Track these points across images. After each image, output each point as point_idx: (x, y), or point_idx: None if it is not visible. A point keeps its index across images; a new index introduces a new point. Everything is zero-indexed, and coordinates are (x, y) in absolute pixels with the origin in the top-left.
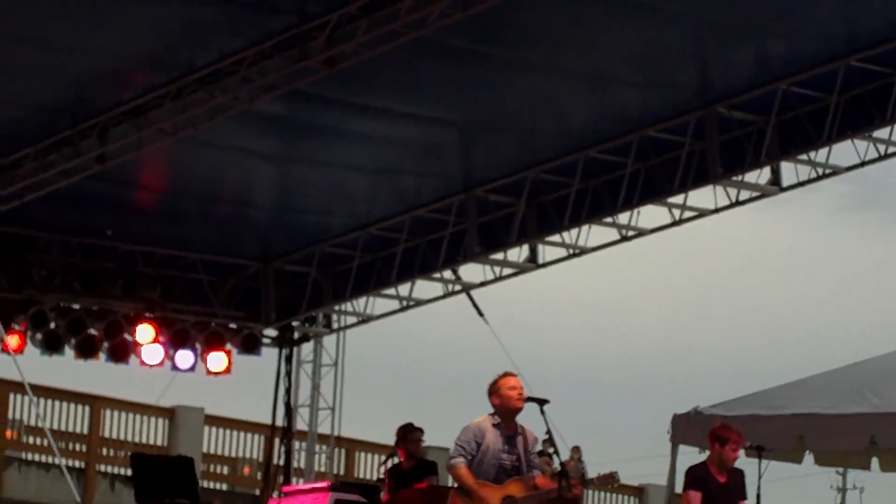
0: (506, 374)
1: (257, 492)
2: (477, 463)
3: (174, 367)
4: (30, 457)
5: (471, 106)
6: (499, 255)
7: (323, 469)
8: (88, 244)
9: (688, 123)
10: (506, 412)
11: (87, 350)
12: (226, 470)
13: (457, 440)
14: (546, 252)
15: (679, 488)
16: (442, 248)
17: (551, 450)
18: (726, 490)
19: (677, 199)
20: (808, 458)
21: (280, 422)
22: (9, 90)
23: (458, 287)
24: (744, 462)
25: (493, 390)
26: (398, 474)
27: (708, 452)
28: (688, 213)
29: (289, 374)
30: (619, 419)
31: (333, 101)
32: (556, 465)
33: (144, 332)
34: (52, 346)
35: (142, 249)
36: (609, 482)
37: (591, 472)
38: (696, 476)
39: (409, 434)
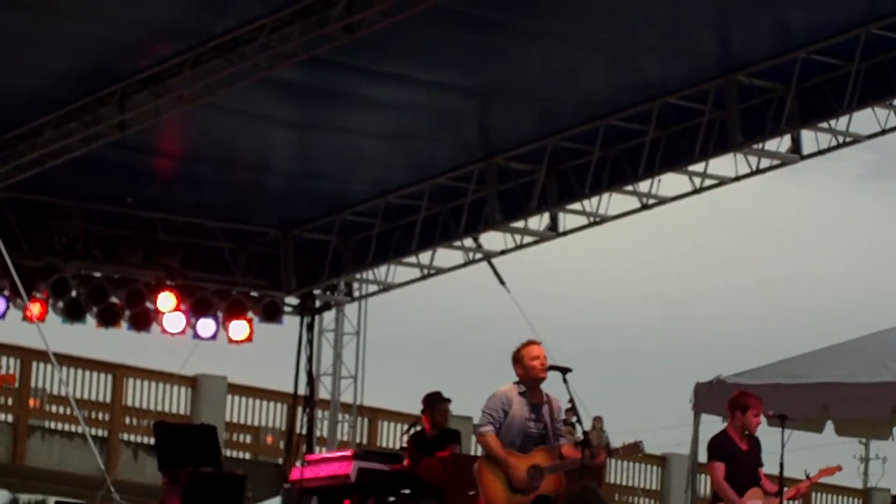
0: (529, 343)
1: (280, 461)
2: (504, 431)
3: (196, 336)
4: (53, 425)
5: (490, 74)
6: (519, 224)
7: (346, 438)
8: (109, 212)
9: (708, 91)
10: (530, 382)
11: (108, 318)
12: (249, 439)
13: (484, 408)
14: (566, 220)
15: (702, 457)
16: (462, 216)
17: (574, 419)
18: (750, 457)
19: (698, 167)
20: (829, 428)
21: (302, 391)
22: (29, 59)
23: (478, 255)
24: (766, 431)
25: (517, 359)
26: (421, 442)
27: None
28: (708, 181)
29: (310, 342)
30: (641, 388)
31: (352, 68)
32: (579, 434)
33: (166, 301)
34: (73, 314)
35: (161, 217)
36: (634, 452)
37: (613, 442)
38: (718, 446)
39: (436, 403)
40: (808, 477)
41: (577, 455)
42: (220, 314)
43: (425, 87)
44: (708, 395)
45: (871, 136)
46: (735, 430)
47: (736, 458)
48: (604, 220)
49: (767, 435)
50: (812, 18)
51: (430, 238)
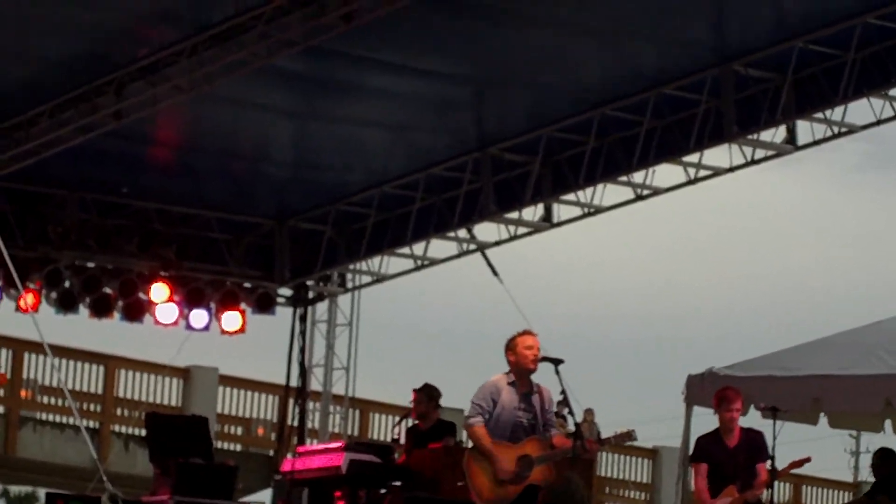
0: (525, 333)
1: (271, 452)
2: (494, 421)
3: (188, 327)
4: (44, 417)
5: (487, 63)
6: (513, 214)
7: (337, 430)
8: (104, 201)
9: (704, 81)
10: (519, 371)
11: (101, 309)
12: (240, 430)
13: (473, 399)
14: (561, 211)
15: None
16: (457, 207)
17: (566, 410)
18: (735, 455)
19: (692, 157)
20: (823, 420)
21: (294, 382)
22: (25, 46)
23: (472, 246)
24: (759, 423)
25: (510, 347)
26: (416, 434)
27: None
28: (703, 172)
29: (303, 333)
30: (633, 380)
31: (350, 57)
32: (571, 425)
33: (159, 291)
34: (66, 304)
35: (157, 207)
36: (626, 440)
37: (605, 435)
38: (700, 447)
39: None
40: (776, 470)
41: (569, 444)
42: (213, 305)
43: (423, 76)
44: (700, 388)
45: (867, 127)
46: (721, 428)
47: (718, 457)
48: (598, 210)
49: (760, 427)
50: (809, 7)
51: (425, 229)
